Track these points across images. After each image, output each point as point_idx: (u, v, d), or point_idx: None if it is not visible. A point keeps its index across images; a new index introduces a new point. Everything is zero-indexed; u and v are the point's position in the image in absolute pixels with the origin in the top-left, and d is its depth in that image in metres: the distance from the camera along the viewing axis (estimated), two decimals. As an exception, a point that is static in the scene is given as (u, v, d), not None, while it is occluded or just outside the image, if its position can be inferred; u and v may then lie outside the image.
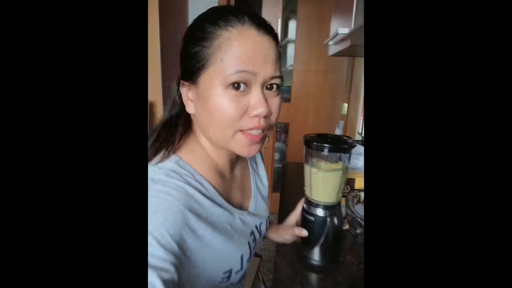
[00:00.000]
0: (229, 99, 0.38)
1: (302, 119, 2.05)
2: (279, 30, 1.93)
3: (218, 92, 0.38)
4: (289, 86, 2.02)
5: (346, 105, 1.97)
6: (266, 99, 0.39)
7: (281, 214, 0.89)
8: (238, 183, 0.52)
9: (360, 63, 1.85)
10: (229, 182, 0.49)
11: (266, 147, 2.13)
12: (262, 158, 0.66)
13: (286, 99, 2.07)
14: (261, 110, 0.38)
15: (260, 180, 0.60)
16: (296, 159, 2.10)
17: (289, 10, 2.04)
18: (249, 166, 0.58)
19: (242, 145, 0.41)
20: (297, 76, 1.99)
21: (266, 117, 0.40)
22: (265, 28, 0.40)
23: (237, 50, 0.37)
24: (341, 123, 1.44)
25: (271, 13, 1.89)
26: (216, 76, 0.38)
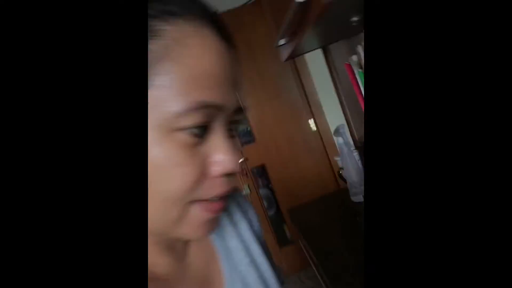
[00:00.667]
0: (178, 153, 0.22)
1: (276, 154, 1.82)
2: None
3: (154, 140, 0.22)
4: (249, 127, 1.85)
5: (311, 120, 1.82)
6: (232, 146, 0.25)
7: (329, 274, 0.60)
8: (196, 278, 0.32)
9: (302, 64, 1.74)
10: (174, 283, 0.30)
11: (252, 201, 1.84)
12: (245, 216, 0.40)
13: (249, 141, 1.86)
14: (232, 164, 0.24)
15: (246, 256, 0.37)
16: (291, 203, 1.83)
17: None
18: (215, 244, 0.36)
19: (198, 225, 0.26)
20: (251, 114, 1.80)
21: (233, 173, 0.26)
22: (226, 32, 0.25)
23: (194, 65, 0.22)
24: (342, 127, 1.10)
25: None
26: (151, 113, 0.22)
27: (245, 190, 1.81)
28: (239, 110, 0.26)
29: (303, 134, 1.82)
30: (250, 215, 0.41)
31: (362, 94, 1.08)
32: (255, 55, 1.73)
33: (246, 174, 1.80)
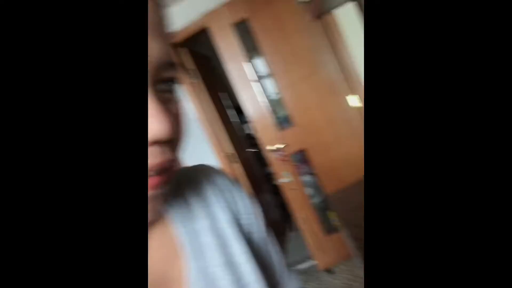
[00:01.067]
0: None
1: (316, 136, 1.71)
2: (249, 72, 1.71)
3: None
4: (286, 114, 1.76)
5: (355, 96, 1.67)
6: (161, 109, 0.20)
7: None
8: (150, 277, 0.26)
9: (338, 34, 1.59)
10: None
11: (293, 189, 1.77)
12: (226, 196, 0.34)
13: (288, 126, 1.78)
14: (157, 129, 0.19)
15: (222, 256, 0.30)
16: (336, 186, 1.72)
17: (250, 49, 1.84)
18: (184, 239, 0.30)
19: None
20: (287, 96, 1.71)
21: (169, 141, 0.21)
22: None
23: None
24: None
25: (236, 59, 1.69)
26: None
27: (285, 178, 1.74)
28: (167, 65, 0.22)
29: (345, 112, 1.68)
30: (238, 206, 0.35)
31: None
32: (286, 31, 1.63)
33: (286, 160, 1.73)
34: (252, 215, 0.36)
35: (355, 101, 1.67)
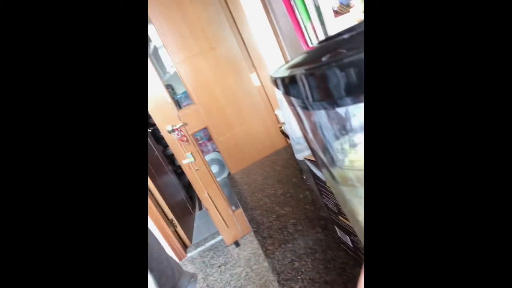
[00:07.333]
0: None
1: (218, 114, 1.66)
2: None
3: None
4: (185, 91, 1.63)
5: (254, 75, 1.67)
6: None
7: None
8: None
9: (237, 5, 1.54)
10: None
11: (198, 168, 1.71)
12: None
13: (188, 104, 1.67)
14: None
15: None
16: (239, 163, 1.74)
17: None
18: None
19: None
20: (185, 72, 1.58)
21: None
22: None
23: None
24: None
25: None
26: None
27: (189, 159, 1.66)
28: None
29: (246, 89, 1.67)
30: None
31: (303, 35, 0.95)
32: (181, 1, 1.47)
33: (188, 140, 1.63)
34: None
35: (256, 79, 1.67)
